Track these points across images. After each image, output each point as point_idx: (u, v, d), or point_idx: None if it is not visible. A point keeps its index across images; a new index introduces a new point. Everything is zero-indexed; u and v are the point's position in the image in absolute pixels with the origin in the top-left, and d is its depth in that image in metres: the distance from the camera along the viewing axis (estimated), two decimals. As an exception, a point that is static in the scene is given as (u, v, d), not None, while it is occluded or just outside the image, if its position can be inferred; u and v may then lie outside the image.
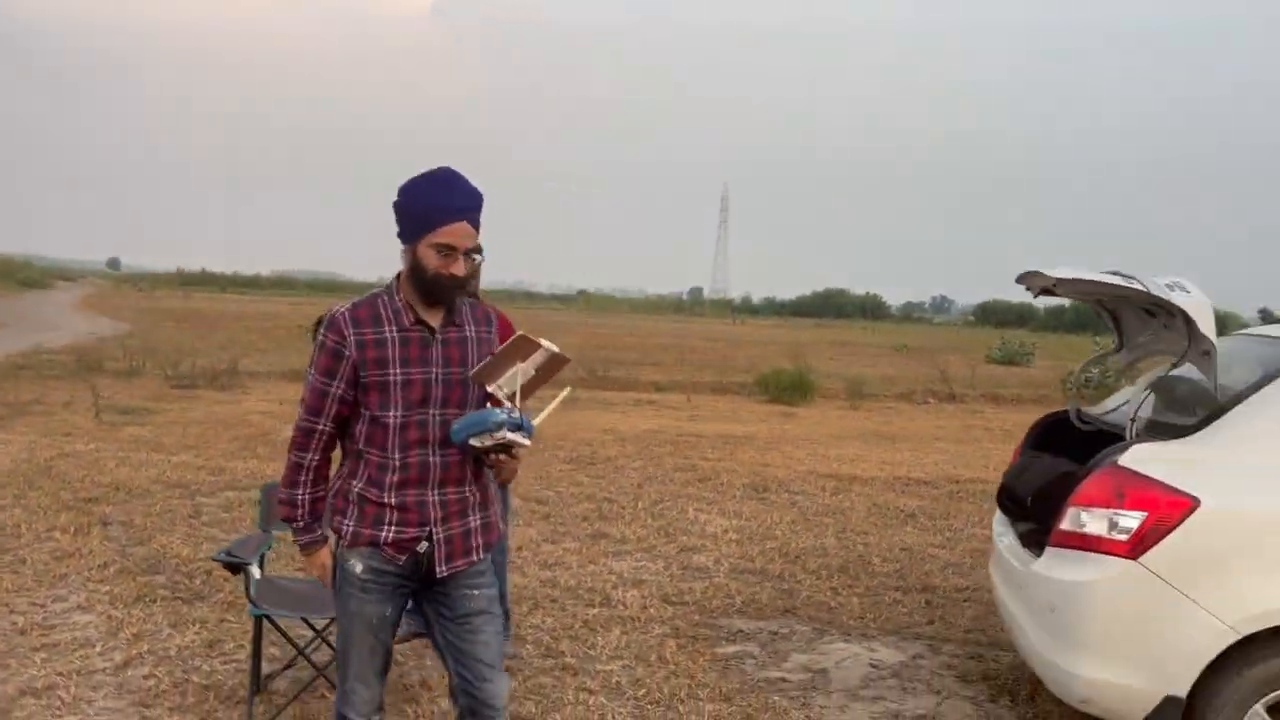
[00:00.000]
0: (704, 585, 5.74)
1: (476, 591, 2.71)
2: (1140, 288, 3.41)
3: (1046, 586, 3.47)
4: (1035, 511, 4.02)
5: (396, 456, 2.56)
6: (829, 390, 17.80)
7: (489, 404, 2.60)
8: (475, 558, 2.70)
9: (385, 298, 2.59)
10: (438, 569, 2.64)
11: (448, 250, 2.50)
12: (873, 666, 4.64)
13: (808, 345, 31.60)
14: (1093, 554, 3.30)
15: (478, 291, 4.13)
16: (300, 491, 2.68)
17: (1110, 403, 4.51)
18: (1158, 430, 3.67)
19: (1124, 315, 4.27)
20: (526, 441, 2.52)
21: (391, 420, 2.54)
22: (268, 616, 3.72)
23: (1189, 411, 3.69)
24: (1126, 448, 3.36)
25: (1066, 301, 4.40)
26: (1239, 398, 3.37)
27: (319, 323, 2.56)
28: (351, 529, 2.61)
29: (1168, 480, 3.21)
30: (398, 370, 2.53)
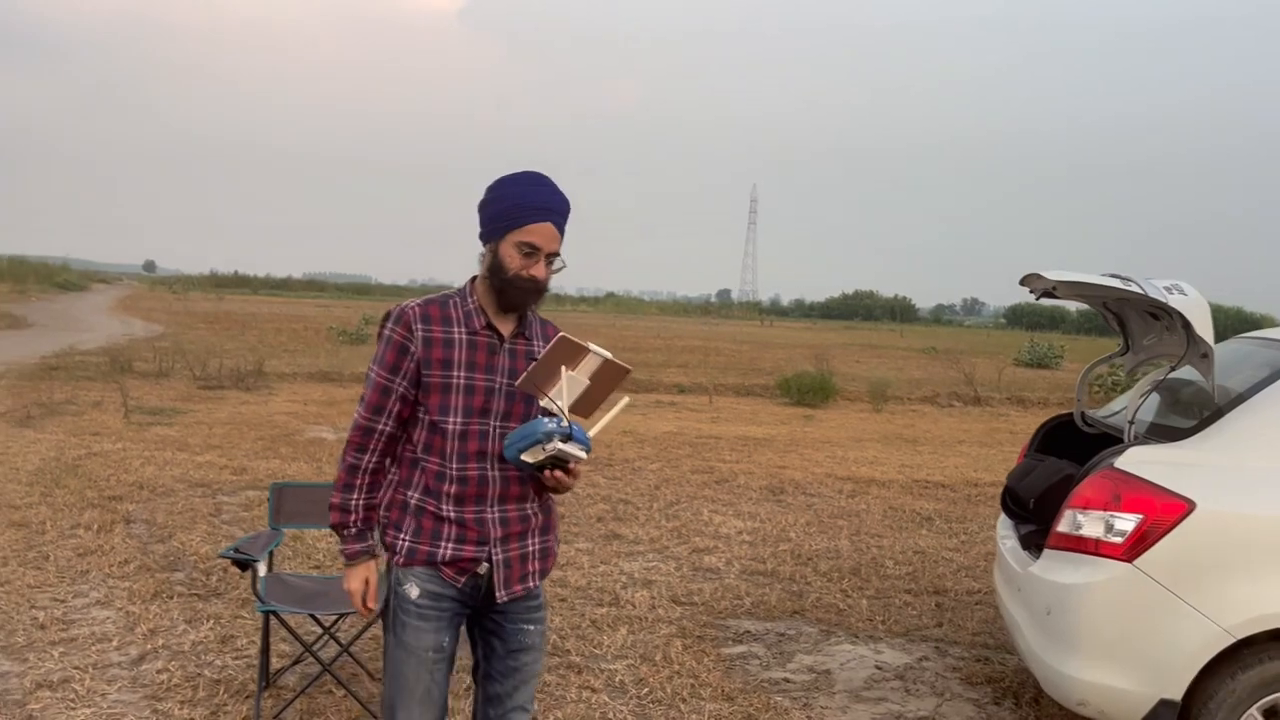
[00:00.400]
0: (714, 586, 5.76)
1: (532, 626, 2.58)
2: (1138, 290, 3.41)
3: (1043, 589, 3.48)
4: (1037, 514, 4.02)
5: (455, 466, 2.42)
6: (851, 393, 17.75)
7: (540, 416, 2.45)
8: (532, 584, 2.56)
9: (457, 299, 2.49)
10: (498, 593, 2.49)
11: (531, 250, 2.40)
12: (877, 668, 4.65)
13: (835, 348, 31.52)
14: (1089, 556, 3.30)
15: None
16: (355, 496, 2.48)
17: (1115, 405, 4.50)
18: (1159, 433, 3.67)
19: (1129, 318, 4.26)
20: (582, 454, 2.36)
21: (451, 426, 2.42)
22: (275, 613, 3.79)
23: (1191, 414, 3.68)
24: (1123, 450, 3.36)
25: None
26: (1237, 400, 3.36)
27: (386, 317, 2.46)
28: (407, 544, 2.44)
29: (1163, 483, 3.21)
30: (461, 374, 2.42)
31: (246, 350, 19.13)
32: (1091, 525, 3.30)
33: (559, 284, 2.41)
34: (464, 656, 2.63)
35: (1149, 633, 3.20)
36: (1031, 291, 3.93)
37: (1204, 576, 3.16)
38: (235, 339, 23.63)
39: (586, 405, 2.45)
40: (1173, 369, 3.71)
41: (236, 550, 3.80)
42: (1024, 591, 3.69)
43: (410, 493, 2.46)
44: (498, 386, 2.45)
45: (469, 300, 2.48)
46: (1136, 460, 3.31)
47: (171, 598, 5.06)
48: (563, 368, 2.38)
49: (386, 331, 2.46)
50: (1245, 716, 3.12)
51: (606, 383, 2.44)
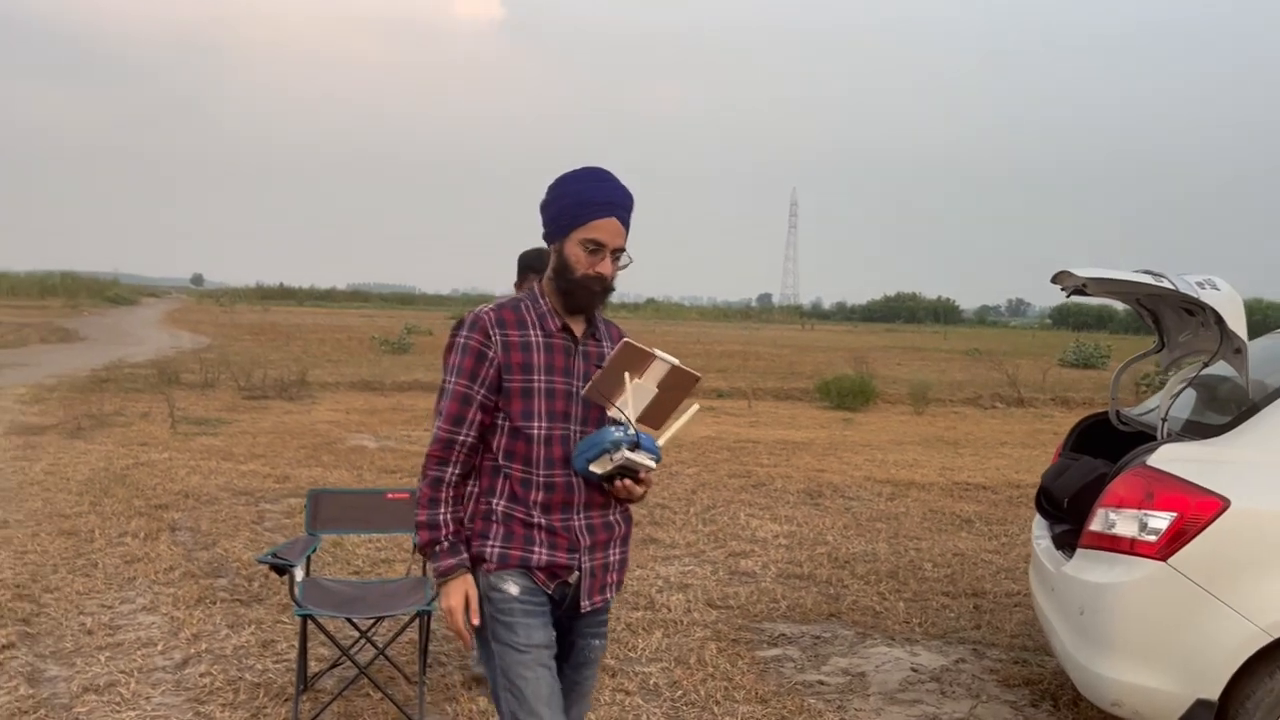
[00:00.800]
0: (749, 590, 5.76)
1: (598, 641, 2.53)
2: (1169, 286, 3.37)
3: (1077, 588, 3.45)
4: (1072, 513, 3.98)
5: (541, 473, 2.35)
6: (892, 395, 17.63)
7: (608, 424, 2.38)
8: (610, 595, 2.49)
9: (529, 302, 2.44)
10: (583, 602, 2.42)
11: (596, 247, 2.34)
12: (913, 670, 4.62)
13: (876, 350, 31.31)
14: (1122, 555, 3.27)
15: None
16: (442, 510, 2.36)
17: (1149, 403, 4.45)
18: (1194, 430, 3.62)
19: (1164, 314, 4.21)
20: (651, 463, 2.29)
21: (536, 432, 2.35)
22: (312, 617, 3.86)
23: (1227, 410, 3.63)
24: (1156, 448, 3.33)
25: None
26: (1273, 396, 3.31)
27: (459, 325, 2.41)
28: (498, 549, 2.36)
29: (1197, 480, 3.17)
30: (542, 377, 2.37)
31: (290, 360, 19.41)
32: (1125, 524, 3.26)
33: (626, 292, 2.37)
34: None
35: (1184, 632, 3.15)
36: (1063, 289, 3.90)
37: (1240, 574, 3.11)
38: (280, 349, 23.98)
39: (657, 413, 2.38)
40: (1206, 365, 3.66)
41: (275, 556, 3.87)
42: (1058, 591, 3.65)
43: (495, 501, 2.39)
44: (575, 390, 2.40)
45: (541, 303, 2.43)
46: (1169, 458, 3.28)
47: (215, 603, 5.15)
48: (628, 375, 2.32)
49: (462, 339, 2.39)
50: (1284, 717, 3.06)
51: (676, 390, 2.37)
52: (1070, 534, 3.82)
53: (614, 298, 2.57)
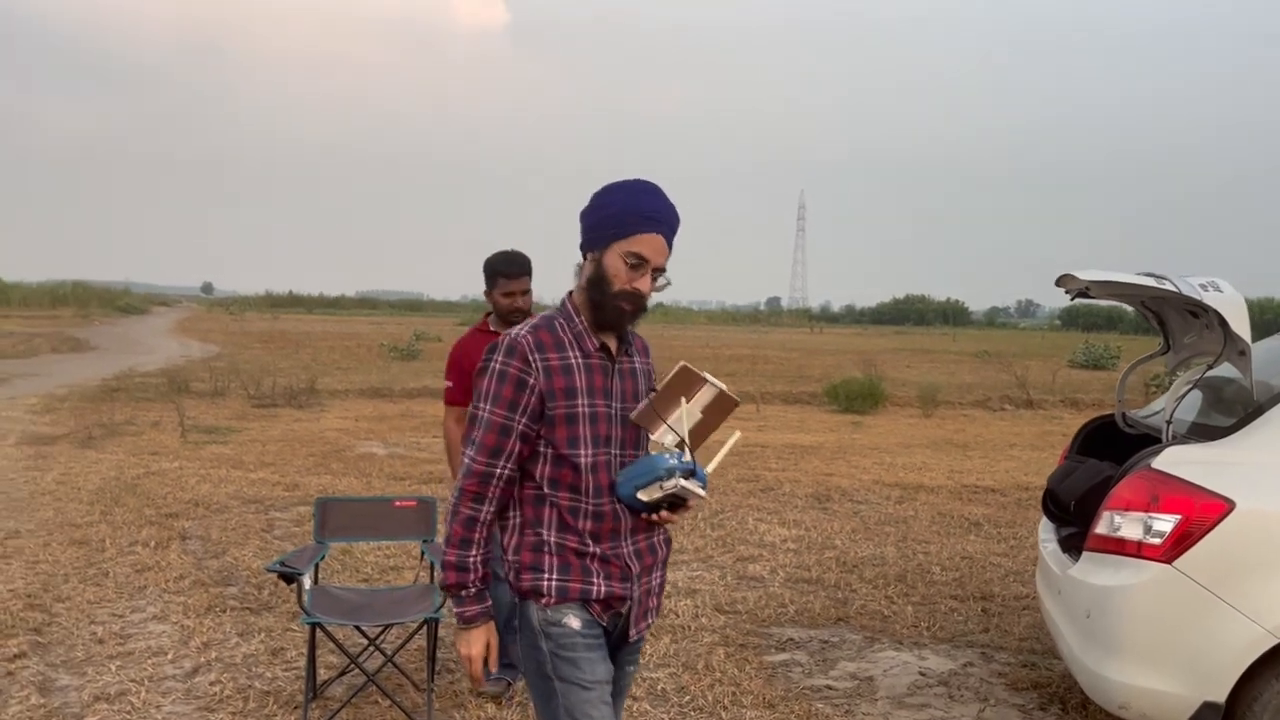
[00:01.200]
0: (758, 594, 5.76)
1: (632, 668, 2.45)
2: (1172, 288, 3.38)
3: (1083, 591, 3.45)
4: (1078, 516, 3.98)
5: (590, 502, 2.24)
6: (901, 398, 17.61)
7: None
8: (651, 620, 2.41)
9: (562, 320, 2.28)
10: (631, 631, 2.34)
11: (638, 261, 2.20)
12: (921, 674, 4.62)
13: (885, 353, 31.28)
14: (1128, 558, 3.27)
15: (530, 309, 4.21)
16: (474, 552, 2.22)
17: (1155, 405, 4.44)
18: (1200, 432, 3.62)
19: (1168, 317, 4.21)
20: (703, 493, 2.19)
21: (583, 459, 2.22)
22: (321, 625, 3.88)
23: (1232, 412, 3.63)
24: (1160, 450, 3.33)
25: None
26: (1277, 398, 3.31)
27: (493, 350, 2.24)
28: (556, 583, 2.23)
29: (1202, 483, 3.17)
30: (585, 401, 2.23)
31: (300, 368, 19.49)
32: (1130, 527, 3.26)
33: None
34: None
35: (1190, 635, 3.15)
36: (1067, 292, 3.90)
37: (1246, 577, 3.11)
38: (289, 357, 24.07)
39: (695, 439, 2.29)
40: (1210, 367, 3.66)
41: (283, 564, 3.89)
42: (1064, 594, 3.65)
43: (544, 532, 2.25)
44: (615, 412, 2.28)
45: (576, 321, 2.28)
46: (1174, 460, 3.28)
47: (224, 611, 5.18)
48: (682, 398, 2.24)
49: (498, 366, 2.22)
50: (1292, 719, 3.06)
51: (717, 415, 2.29)
52: (1077, 537, 3.82)
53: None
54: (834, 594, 5.84)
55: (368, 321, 54.72)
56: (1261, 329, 3.56)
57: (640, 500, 2.20)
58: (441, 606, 4.05)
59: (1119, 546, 3.30)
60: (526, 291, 4.17)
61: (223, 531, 6.86)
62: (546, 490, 2.25)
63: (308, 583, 3.93)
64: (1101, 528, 3.37)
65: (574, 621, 2.23)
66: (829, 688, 4.44)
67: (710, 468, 2.27)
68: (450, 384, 4.23)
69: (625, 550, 2.28)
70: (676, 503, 2.20)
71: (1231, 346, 3.44)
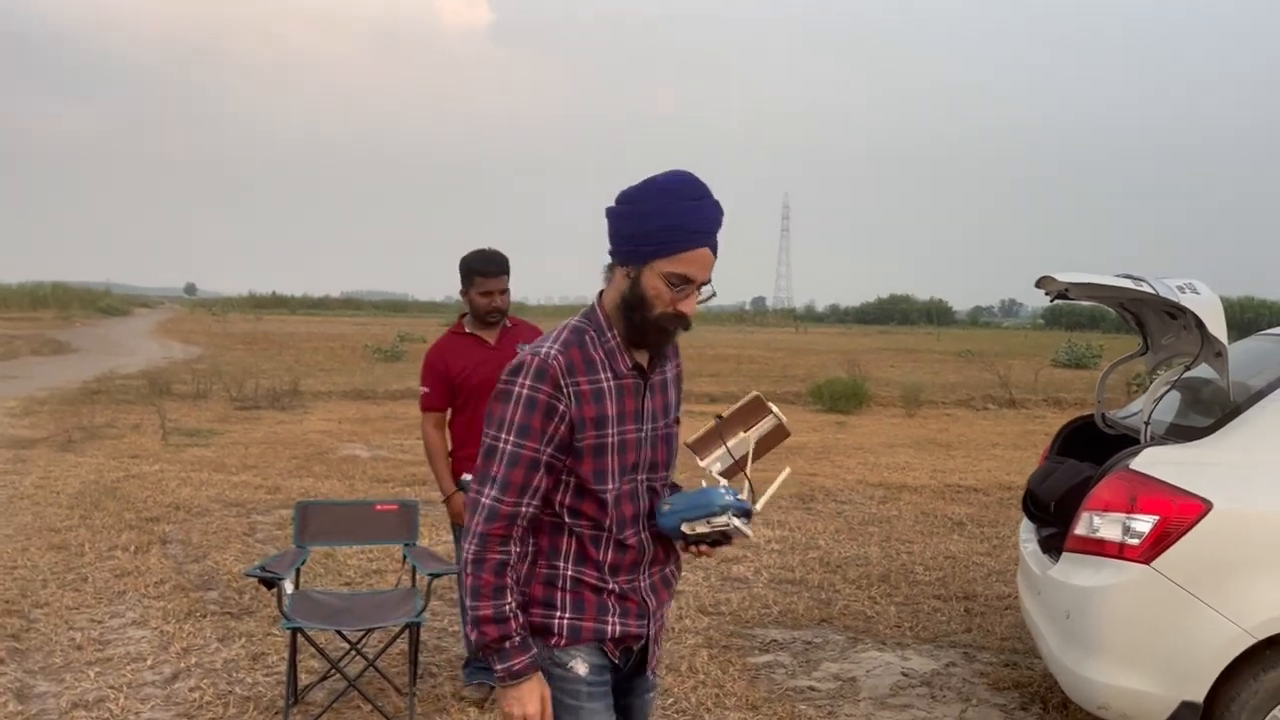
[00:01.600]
0: (741, 596, 5.77)
1: (650, 694, 2.29)
2: (1149, 290, 3.39)
3: (1063, 592, 3.46)
4: (1058, 516, 4.00)
5: (613, 535, 2.06)
6: (885, 398, 17.66)
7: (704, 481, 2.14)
8: (661, 646, 2.27)
9: (593, 334, 2.03)
10: (649, 665, 2.19)
11: (683, 282, 1.97)
12: (904, 675, 4.63)
13: (869, 353, 31.37)
14: (1107, 559, 3.28)
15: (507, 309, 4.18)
16: (509, 600, 1.98)
17: (1134, 406, 4.47)
18: (1178, 433, 3.64)
19: (1147, 318, 4.23)
20: (750, 532, 2.06)
21: (610, 494, 2.03)
22: (301, 630, 3.86)
23: (1210, 413, 3.65)
24: (1139, 451, 3.35)
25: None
26: (1255, 398, 3.33)
27: (517, 371, 1.97)
28: (568, 622, 2.05)
29: (1180, 483, 3.19)
30: (615, 430, 2.03)
31: (283, 370, 19.39)
32: (1108, 527, 3.28)
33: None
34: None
35: (1169, 635, 3.17)
36: (1046, 294, 3.92)
37: (1223, 577, 3.13)
38: (272, 359, 23.95)
39: (736, 467, 2.19)
40: (1188, 368, 3.68)
41: (263, 569, 3.87)
42: (1044, 595, 3.67)
43: (561, 564, 2.06)
44: (645, 435, 2.09)
45: (608, 335, 2.04)
46: (1152, 461, 3.30)
47: (205, 616, 5.15)
48: (741, 429, 2.13)
49: (524, 391, 1.95)
50: (1269, 718, 3.08)
51: (768, 445, 2.20)
52: (1056, 537, 3.83)
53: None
54: (817, 595, 5.85)
55: (351, 322, 54.49)
56: (1241, 328, 3.58)
57: (683, 532, 2.06)
58: (423, 610, 4.04)
59: (1098, 547, 3.32)
60: (504, 291, 4.12)
61: (204, 535, 6.81)
62: (567, 519, 2.05)
63: (288, 588, 3.91)
64: (1081, 528, 3.38)
65: (581, 667, 2.06)
66: (812, 689, 4.45)
67: (760, 504, 2.14)
68: (426, 389, 4.16)
69: (643, 585, 2.11)
70: (719, 539, 2.07)
71: (1208, 348, 3.47)
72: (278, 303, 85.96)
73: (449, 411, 4.17)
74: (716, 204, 2.00)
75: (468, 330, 4.19)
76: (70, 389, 16.09)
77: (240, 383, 15.94)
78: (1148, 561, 3.18)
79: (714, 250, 2.00)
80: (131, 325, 45.57)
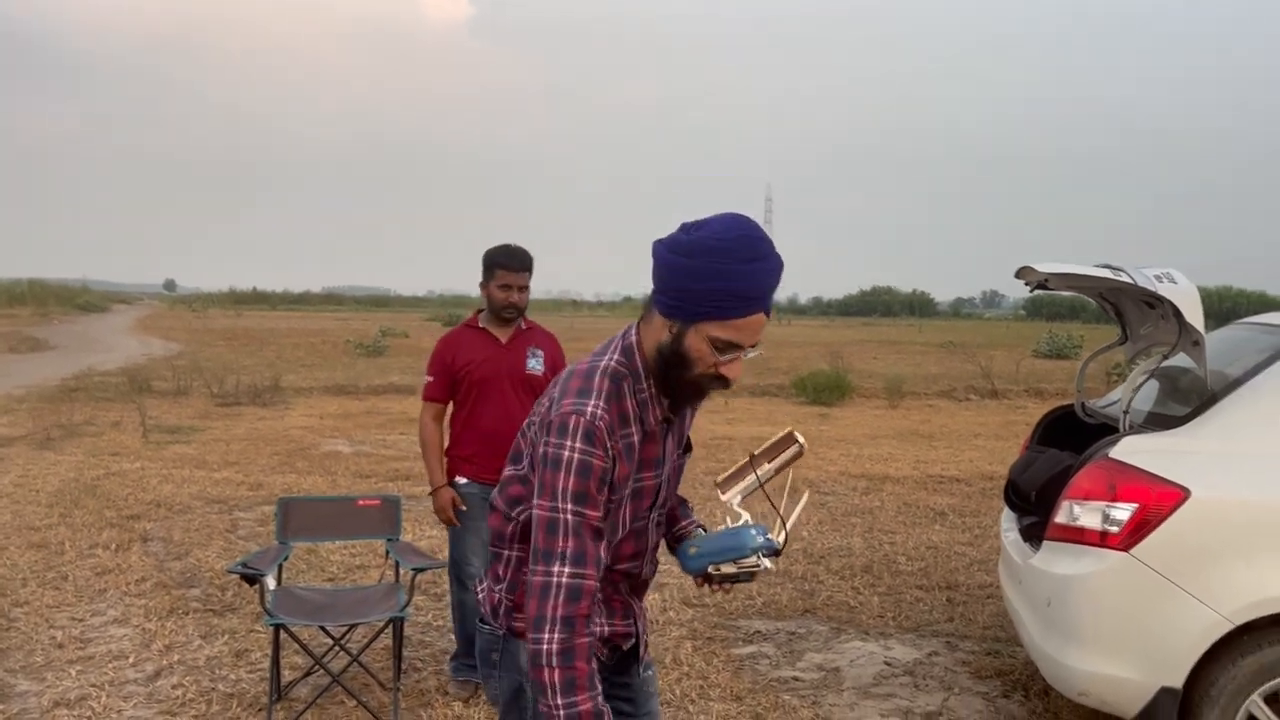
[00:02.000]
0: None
1: (650, 671, 2.24)
2: (1127, 280, 3.42)
3: (1043, 580, 3.49)
4: (1039, 506, 4.02)
5: (609, 569, 1.98)
6: (868, 390, 17.73)
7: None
8: (646, 634, 2.23)
9: (629, 382, 1.90)
10: (641, 663, 2.16)
11: (730, 348, 1.83)
12: (887, 664, 4.66)
13: (852, 345, 31.48)
14: (1086, 547, 3.30)
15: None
16: (597, 691, 1.82)
17: (1113, 395, 4.50)
18: (1157, 421, 3.67)
19: (1125, 308, 4.26)
20: (772, 567, 2.06)
21: (617, 537, 1.97)
22: (284, 626, 3.84)
23: (1188, 401, 3.68)
24: (1117, 440, 3.37)
25: None
26: (1232, 386, 3.36)
27: (564, 432, 1.82)
28: None
29: (1158, 471, 3.22)
30: (633, 480, 1.95)
31: (264, 366, 19.29)
32: (1088, 516, 3.30)
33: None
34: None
35: (1148, 621, 3.20)
36: (1026, 284, 3.94)
37: (1201, 563, 3.16)
38: (253, 355, 23.83)
39: (748, 491, 2.15)
40: (1166, 357, 3.71)
41: (245, 565, 3.85)
42: (1025, 583, 3.70)
43: None
44: (664, 477, 2.02)
45: (644, 385, 1.91)
46: (1131, 449, 3.32)
47: (187, 614, 5.12)
48: (766, 460, 2.10)
49: (577, 456, 1.81)
50: (1247, 703, 3.11)
51: (784, 468, 2.16)
52: (1037, 526, 3.86)
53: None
54: (801, 585, 5.87)
55: (333, 318, 54.27)
56: (1219, 318, 3.61)
57: (709, 572, 2.02)
58: (407, 605, 4.03)
59: (1078, 535, 3.34)
60: (524, 288, 4.08)
61: (185, 533, 6.77)
62: None
63: (271, 584, 3.90)
64: (1061, 517, 3.41)
65: None
66: (796, 679, 4.47)
67: (782, 536, 2.08)
68: (431, 378, 4.12)
69: (635, 604, 2.10)
70: (743, 577, 2.03)
71: (1186, 337, 3.49)
72: (258, 298, 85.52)
73: (450, 406, 4.15)
74: (777, 264, 1.82)
75: (481, 324, 4.17)
76: (49, 386, 15.95)
77: (221, 379, 15.85)
78: (1127, 549, 3.20)
79: (768, 313, 1.85)
80: (110, 322, 45.20)
